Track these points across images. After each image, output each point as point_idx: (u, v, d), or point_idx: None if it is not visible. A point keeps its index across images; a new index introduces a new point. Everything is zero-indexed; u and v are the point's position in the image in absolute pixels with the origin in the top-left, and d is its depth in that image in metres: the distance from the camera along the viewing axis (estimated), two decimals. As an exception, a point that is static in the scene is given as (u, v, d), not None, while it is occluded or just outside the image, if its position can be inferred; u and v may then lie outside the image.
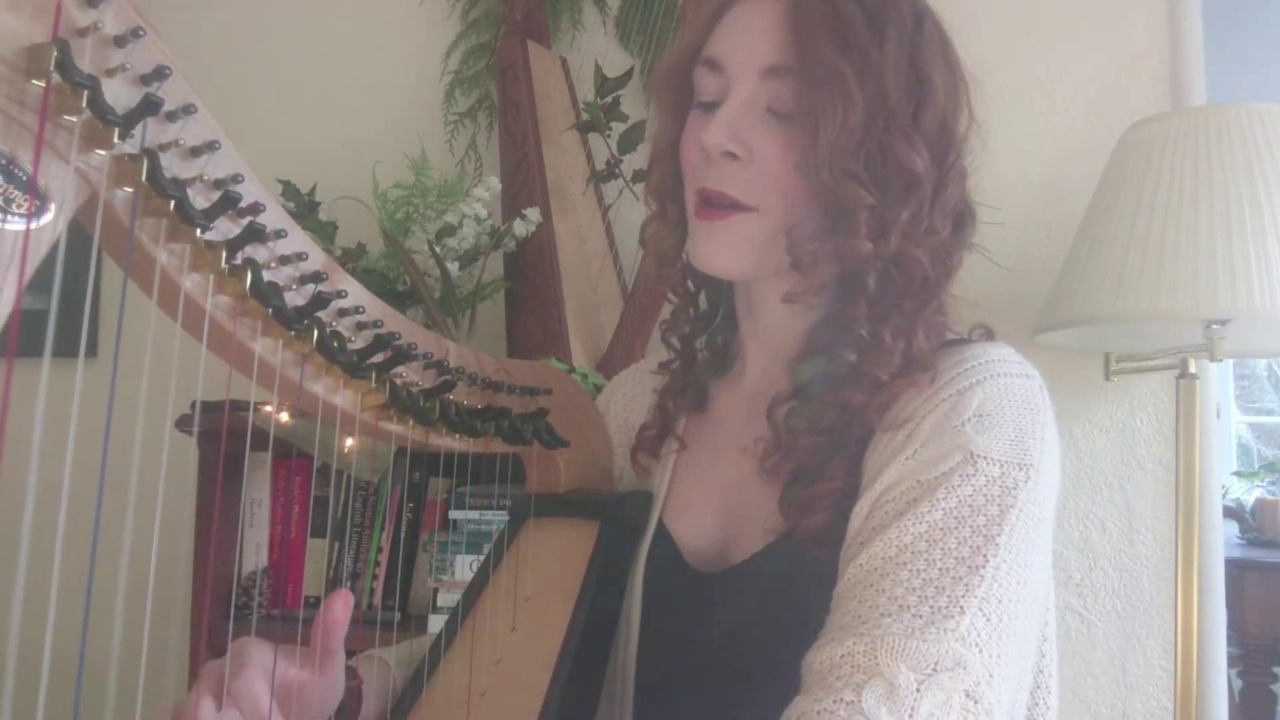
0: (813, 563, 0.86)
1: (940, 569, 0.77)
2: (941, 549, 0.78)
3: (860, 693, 0.71)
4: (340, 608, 0.82)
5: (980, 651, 0.74)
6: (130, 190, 0.59)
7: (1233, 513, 3.52)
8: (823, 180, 0.87)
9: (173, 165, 0.61)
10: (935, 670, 0.72)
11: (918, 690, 0.71)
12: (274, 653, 0.80)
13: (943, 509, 0.79)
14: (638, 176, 2.04)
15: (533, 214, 1.98)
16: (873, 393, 0.89)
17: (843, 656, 0.74)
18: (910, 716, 0.70)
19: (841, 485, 0.88)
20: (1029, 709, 0.91)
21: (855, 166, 0.86)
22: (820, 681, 0.74)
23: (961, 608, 0.75)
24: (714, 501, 1.01)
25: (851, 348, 0.91)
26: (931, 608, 0.75)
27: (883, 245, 0.88)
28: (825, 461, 0.90)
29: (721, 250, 0.93)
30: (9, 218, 0.51)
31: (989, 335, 0.98)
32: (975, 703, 0.72)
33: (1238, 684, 3.01)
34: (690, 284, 1.08)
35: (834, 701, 0.71)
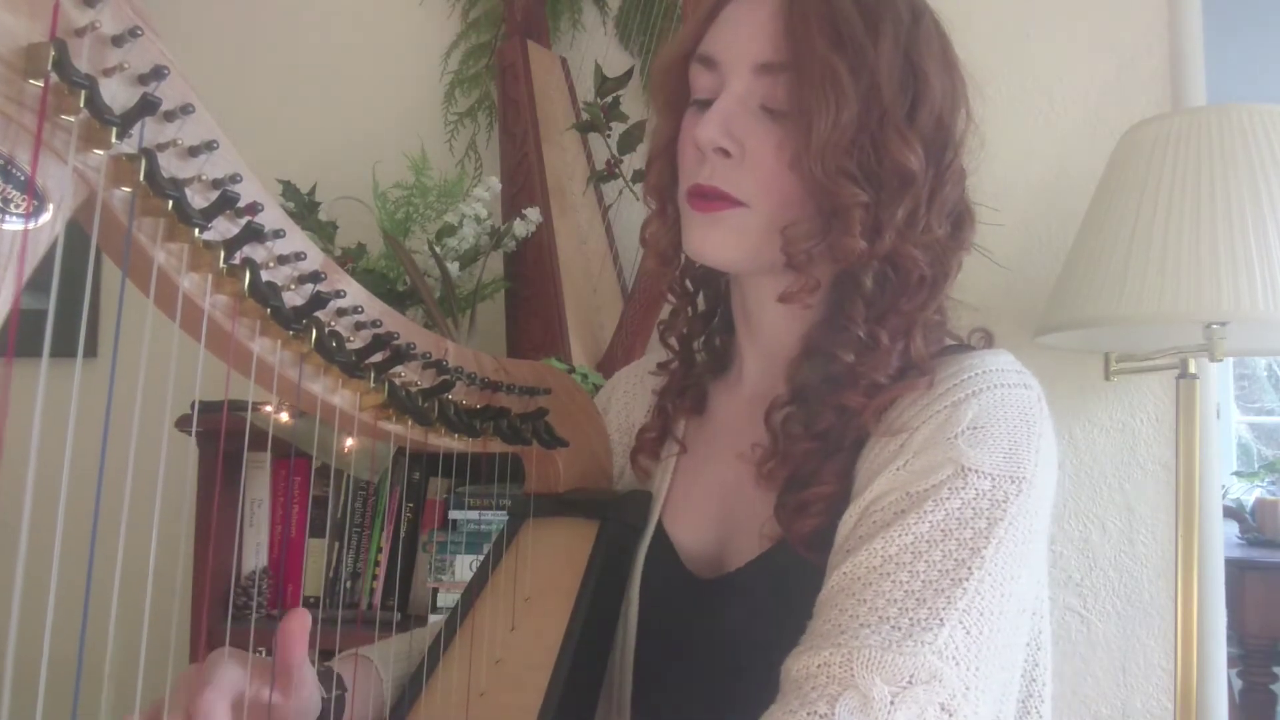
0: (809, 569, 0.85)
1: (923, 581, 0.77)
2: (926, 561, 0.77)
3: (834, 705, 0.71)
4: (296, 625, 0.81)
5: (957, 664, 0.73)
6: (128, 190, 0.59)
7: (1233, 513, 3.53)
8: (816, 178, 0.86)
9: (171, 165, 0.61)
10: (910, 683, 0.72)
11: (891, 703, 0.71)
12: (245, 669, 0.80)
13: (929, 521, 0.79)
14: (638, 176, 2.04)
15: (533, 214, 1.98)
16: (870, 395, 0.88)
17: (819, 666, 0.74)
18: None
19: (834, 489, 0.88)
20: (1019, 718, 0.91)
21: (849, 164, 0.86)
22: (796, 690, 0.74)
23: (941, 619, 0.75)
24: (712, 506, 1.01)
25: (849, 349, 0.90)
26: (911, 620, 0.75)
27: (878, 244, 0.88)
28: (819, 466, 0.89)
29: (714, 240, 0.92)
30: (7, 217, 0.51)
31: (988, 339, 0.97)
32: (950, 715, 0.72)
33: (1238, 684, 3.01)
34: (689, 284, 1.08)
35: (808, 714, 0.71)
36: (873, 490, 0.83)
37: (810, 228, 0.89)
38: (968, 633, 0.75)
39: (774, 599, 0.90)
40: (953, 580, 0.76)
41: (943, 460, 0.81)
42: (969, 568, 0.77)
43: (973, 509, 0.79)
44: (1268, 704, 3.04)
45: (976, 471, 0.81)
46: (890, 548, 0.78)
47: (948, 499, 0.80)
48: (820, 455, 0.90)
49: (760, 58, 0.89)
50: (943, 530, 0.79)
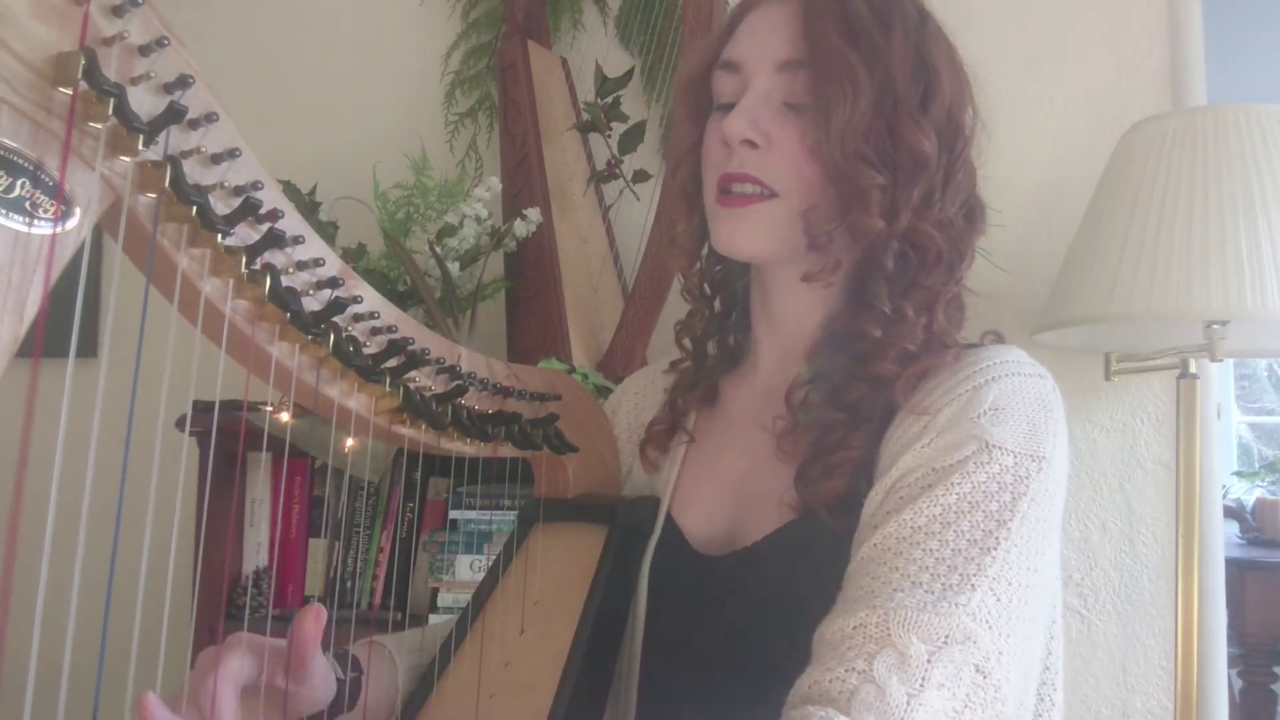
0: (830, 538, 0.87)
1: (953, 549, 0.79)
2: (955, 530, 0.80)
3: (872, 662, 0.73)
4: (311, 623, 0.82)
5: (990, 628, 0.76)
6: (153, 196, 0.59)
7: (1233, 513, 3.53)
8: (835, 163, 0.90)
9: (195, 172, 0.61)
10: (946, 643, 0.74)
11: (928, 661, 0.73)
12: (258, 657, 0.81)
13: (957, 493, 0.81)
14: (638, 177, 2.05)
15: (533, 214, 1.98)
16: (902, 364, 0.91)
17: (855, 628, 0.76)
18: (921, 686, 0.72)
19: (861, 455, 0.90)
20: (1035, 705, 0.92)
21: (865, 149, 0.90)
22: (832, 651, 0.76)
23: (973, 585, 0.77)
24: (723, 492, 1.02)
25: (875, 325, 0.93)
26: (944, 584, 0.77)
27: (895, 223, 0.91)
28: (846, 435, 0.92)
29: (742, 233, 0.95)
30: (36, 222, 0.51)
31: (1000, 340, 1.00)
32: (985, 677, 0.74)
33: (1238, 684, 3.02)
34: (707, 288, 1.10)
35: (846, 670, 0.73)
36: (898, 468, 0.85)
37: (831, 211, 0.93)
38: (998, 599, 0.77)
39: (792, 571, 0.91)
40: (982, 549, 0.79)
41: (967, 437, 0.84)
42: (997, 538, 0.79)
43: (998, 483, 0.82)
44: (1268, 704, 3.05)
45: (1000, 448, 0.83)
46: (919, 518, 0.81)
47: (974, 473, 0.82)
48: (847, 425, 0.92)
49: (781, 56, 0.94)
50: (970, 502, 0.81)
